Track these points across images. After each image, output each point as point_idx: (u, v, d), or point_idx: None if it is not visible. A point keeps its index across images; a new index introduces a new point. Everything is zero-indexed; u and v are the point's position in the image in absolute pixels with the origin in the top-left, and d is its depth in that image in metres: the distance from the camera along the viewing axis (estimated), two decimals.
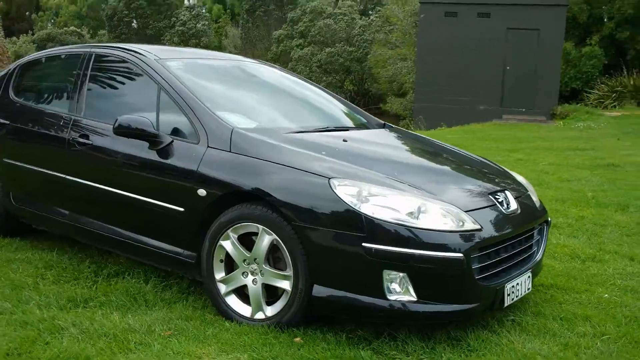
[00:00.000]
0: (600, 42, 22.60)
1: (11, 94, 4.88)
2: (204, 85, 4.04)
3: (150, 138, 3.71)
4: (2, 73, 5.08)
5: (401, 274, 3.01)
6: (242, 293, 3.48)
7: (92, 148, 4.06)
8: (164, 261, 3.81)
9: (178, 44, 49.04)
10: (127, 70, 4.21)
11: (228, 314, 3.45)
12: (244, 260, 3.39)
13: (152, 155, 3.72)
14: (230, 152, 3.49)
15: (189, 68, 4.22)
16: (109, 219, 4.04)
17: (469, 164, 4.04)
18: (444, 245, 3.01)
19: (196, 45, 50.00)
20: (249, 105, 4.25)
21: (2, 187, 4.79)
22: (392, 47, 38.47)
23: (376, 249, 2.99)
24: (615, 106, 19.56)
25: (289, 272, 3.24)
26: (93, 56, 4.42)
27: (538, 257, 3.72)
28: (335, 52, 40.70)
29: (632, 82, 20.08)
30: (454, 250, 3.01)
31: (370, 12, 43.25)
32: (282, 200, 3.20)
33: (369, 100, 40.26)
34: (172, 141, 3.69)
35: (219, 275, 3.49)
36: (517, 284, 3.39)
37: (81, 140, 4.12)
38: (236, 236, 3.41)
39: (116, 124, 3.71)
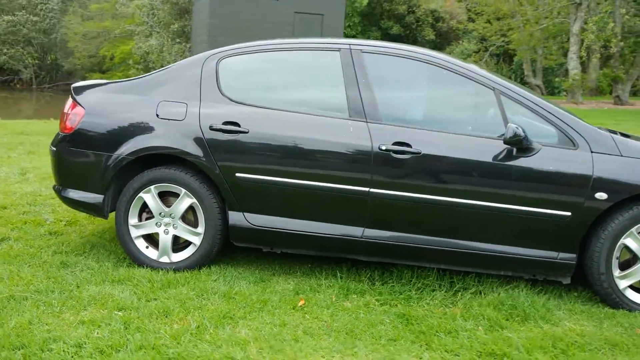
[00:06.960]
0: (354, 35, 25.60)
1: (225, 95, 4.06)
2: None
3: (523, 146, 3.70)
4: (190, 70, 4.13)
5: None
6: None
7: (422, 158, 3.78)
8: (524, 268, 3.85)
9: None
10: (425, 71, 4.03)
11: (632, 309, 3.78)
12: None
13: (522, 162, 3.73)
14: (622, 156, 3.74)
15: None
16: (449, 232, 3.85)
17: None
18: None
19: None
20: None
21: (224, 208, 4.03)
22: (87, 18, 36.15)
23: None
24: None
25: None
26: (363, 55, 4.00)
27: None
28: (17, 22, 36.74)
29: None
30: None
31: None
32: None
33: (56, 75, 37.47)
34: (541, 148, 3.74)
35: (616, 272, 3.76)
36: None
37: (400, 149, 3.79)
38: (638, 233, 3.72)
39: (508, 135, 3.62)
